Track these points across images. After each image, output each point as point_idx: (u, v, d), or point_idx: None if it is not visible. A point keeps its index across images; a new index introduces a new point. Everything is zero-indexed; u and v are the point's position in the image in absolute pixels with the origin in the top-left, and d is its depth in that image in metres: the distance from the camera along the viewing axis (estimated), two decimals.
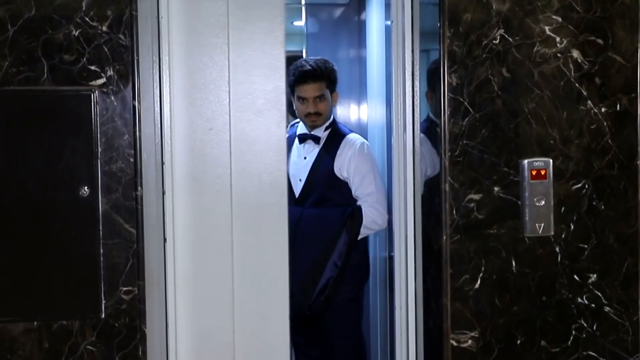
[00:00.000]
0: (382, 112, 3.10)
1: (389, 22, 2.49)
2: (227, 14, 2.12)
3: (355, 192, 3.05)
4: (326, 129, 3.15)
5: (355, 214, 3.00)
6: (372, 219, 2.99)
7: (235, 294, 2.17)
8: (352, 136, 3.14)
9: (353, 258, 3.07)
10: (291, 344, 3.31)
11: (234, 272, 2.16)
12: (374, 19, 3.40)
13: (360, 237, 3.03)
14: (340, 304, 3.09)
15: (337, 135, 3.15)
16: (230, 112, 2.14)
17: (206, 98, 2.13)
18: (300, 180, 3.16)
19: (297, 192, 3.16)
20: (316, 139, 3.14)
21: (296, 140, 3.22)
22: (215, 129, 2.13)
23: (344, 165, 3.06)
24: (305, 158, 3.17)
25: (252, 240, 2.17)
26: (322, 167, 3.10)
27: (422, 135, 2.18)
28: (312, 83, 3.06)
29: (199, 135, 2.13)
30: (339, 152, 3.08)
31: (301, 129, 3.20)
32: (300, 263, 3.00)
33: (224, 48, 2.12)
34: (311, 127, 3.14)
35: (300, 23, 4.34)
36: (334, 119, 3.19)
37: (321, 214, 3.08)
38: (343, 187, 3.08)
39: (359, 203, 3.03)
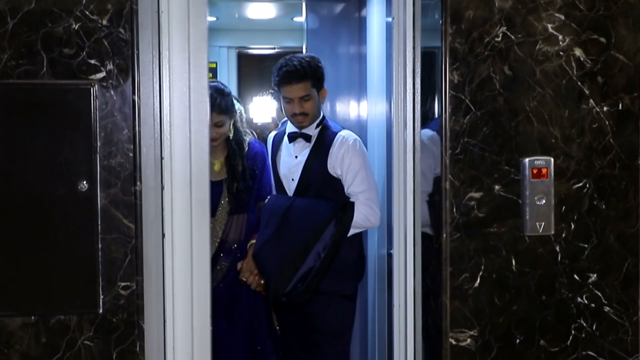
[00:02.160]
0: (382, 109, 3.09)
1: (390, 19, 2.48)
2: (188, 9, 2.10)
3: (348, 189, 3.02)
4: (317, 126, 3.12)
5: (347, 208, 2.96)
6: (365, 216, 2.96)
7: (193, 289, 2.16)
8: (344, 133, 3.10)
9: (348, 255, 3.05)
10: (282, 346, 3.33)
11: (192, 266, 2.15)
12: (375, 16, 3.38)
13: (350, 233, 3.00)
14: (333, 300, 3.07)
15: (328, 132, 3.11)
16: (190, 110, 2.11)
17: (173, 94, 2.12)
18: (292, 180, 3.13)
19: (290, 192, 3.13)
20: (307, 137, 3.11)
21: (285, 139, 3.19)
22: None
23: (337, 163, 3.02)
24: (296, 157, 3.14)
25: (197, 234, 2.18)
26: (316, 166, 3.07)
27: (434, 133, 2.16)
28: (296, 84, 3.00)
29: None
30: (332, 150, 3.04)
31: (290, 127, 3.16)
32: (284, 248, 2.98)
33: (185, 45, 2.10)
34: (299, 127, 3.12)
35: (301, 19, 4.32)
36: (323, 116, 3.16)
37: (313, 203, 3.04)
38: (337, 185, 3.05)
39: (352, 200, 3.00)
